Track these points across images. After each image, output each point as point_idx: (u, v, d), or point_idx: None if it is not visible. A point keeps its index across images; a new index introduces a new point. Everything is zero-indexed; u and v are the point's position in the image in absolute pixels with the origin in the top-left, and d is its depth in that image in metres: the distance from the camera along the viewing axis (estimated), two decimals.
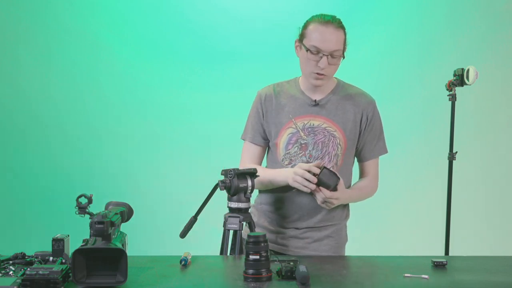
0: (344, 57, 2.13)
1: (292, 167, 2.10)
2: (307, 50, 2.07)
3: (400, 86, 4.10)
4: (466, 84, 3.35)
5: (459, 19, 4.10)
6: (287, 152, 2.15)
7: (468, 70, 3.33)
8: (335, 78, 2.23)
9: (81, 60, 4.05)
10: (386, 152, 2.25)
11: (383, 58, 4.09)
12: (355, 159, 2.25)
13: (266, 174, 2.14)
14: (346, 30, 2.13)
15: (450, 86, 3.40)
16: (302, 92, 2.18)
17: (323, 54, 2.05)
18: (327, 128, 2.13)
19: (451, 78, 3.40)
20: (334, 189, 2.00)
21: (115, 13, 4.06)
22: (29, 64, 4.05)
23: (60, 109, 4.06)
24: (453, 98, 3.40)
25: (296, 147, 2.14)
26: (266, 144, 2.24)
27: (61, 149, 4.06)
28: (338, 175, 2.00)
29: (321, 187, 1.99)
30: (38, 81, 4.05)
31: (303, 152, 2.13)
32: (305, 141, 2.13)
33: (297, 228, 2.15)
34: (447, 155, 3.44)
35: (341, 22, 2.14)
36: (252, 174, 2.02)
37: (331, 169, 2.02)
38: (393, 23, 4.11)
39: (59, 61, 4.05)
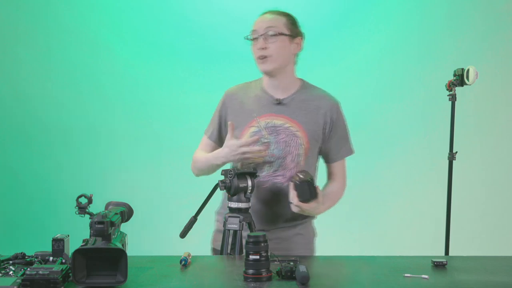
0: (293, 37, 2.13)
1: (253, 166, 2.09)
2: (251, 39, 2.13)
3: (400, 86, 4.10)
4: (466, 84, 3.35)
5: (459, 19, 4.10)
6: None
7: (468, 70, 3.33)
8: (300, 79, 2.23)
9: (81, 60, 4.05)
10: (353, 153, 2.25)
11: (383, 58, 4.09)
12: (319, 158, 2.24)
13: (206, 158, 2.17)
14: (294, 19, 2.17)
15: (450, 86, 3.40)
16: (265, 91, 2.18)
17: (259, 35, 2.10)
18: (289, 127, 2.13)
19: (451, 78, 3.40)
20: (304, 201, 1.98)
21: (115, 13, 4.07)
22: (29, 64, 4.05)
23: (60, 109, 4.06)
24: (453, 98, 3.40)
25: (258, 146, 2.13)
26: (222, 142, 2.22)
27: (61, 149, 4.06)
28: (317, 194, 1.98)
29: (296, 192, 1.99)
30: (38, 81, 4.05)
31: (265, 151, 2.12)
32: (267, 140, 2.13)
33: (264, 230, 2.15)
34: (447, 155, 3.44)
35: (287, 13, 2.18)
36: (252, 174, 2.02)
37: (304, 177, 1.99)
38: (393, 23, 4.11)
39: (59, 61, 4.05)
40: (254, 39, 2.13)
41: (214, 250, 2.24)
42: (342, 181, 2.26)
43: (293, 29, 2.14)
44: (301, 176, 1.98)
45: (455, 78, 3.38)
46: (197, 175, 2.28)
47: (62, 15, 4.04)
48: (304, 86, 2.21)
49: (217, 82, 4.13)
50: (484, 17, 4.11)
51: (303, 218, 2.19)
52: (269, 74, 2.15)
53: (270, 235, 2.12)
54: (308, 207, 1.99)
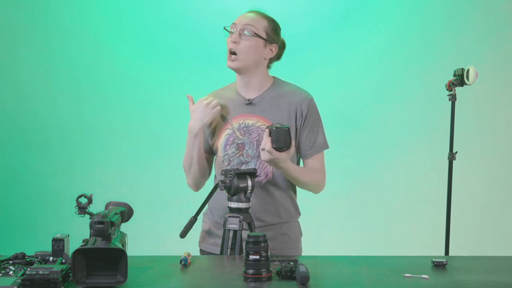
0: (268, 42, 2.13)
1: (231, 167, 2.10)
2: (229, 30, 2.15)
3: (400, 86, 4.10)
4: (466, 84, 3.35)
5: (459, 19, 4.10)
6: (225, 153, 2.16)
7: (468, 70, 3.33)
8: (272, 76, 2.23)
9: (81, 60, 4.05)
10: (327, 147, 2.22)
11: (383, 58, 4.09)
12: (297, 157, 2.23)
13: (186, 149, 2.18)
14: (276, 26, 2.17)
15: (450, 86, 3.40)
16: (238, 93, 2.20)
17: (236, 30, 2.12)
18: (261, 126, 2.13)
19: (451, 78, 3.40)
20: (277, 148, 1.97)
21: (115, 13, 4.06)
22: (29, 64, 4.05)
23: (60, 109, 4.06)
24: (453, 98, 3.40)
25: (234, 148, 2.15)
26: (209, 149, 2.24)
27: (61, 149, 4.06)
28: (292, 142, 1.99)
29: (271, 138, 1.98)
30: (38, 81, 4.05)
31: (240, 152, 2.13)
32: (242, 141, 2.14)
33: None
34: (447, 155, 3.44)
35: (271, 18, 2.18)
36: (252, 174, 2.02)
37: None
38: (393, 23, 4.11)
39: (59, 61, 4.05)
40: (231, 32, 2.14)
41: (202, 252, 2.24)
42: (318, 171, 2.20)
43: (271, 35, 2.15)
44: (278, 125, 1.99)
45: (455, 78, 3.38)
46: (194, 183, 2.24)
47: (62, 15, 4.04)
48: (276, 83, 2.21)
49: (217, 82, 4.14)
50: (484, 17, 4.10)
51: (285, 218, 2.18)
52: (237, 71, 2.17)
53: None
54: (279, 155, 1.98)
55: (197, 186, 2.27)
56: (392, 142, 4.10)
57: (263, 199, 2.14)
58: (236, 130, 2.13)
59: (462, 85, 3.37)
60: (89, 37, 4.05)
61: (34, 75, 4.04)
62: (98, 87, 4.07)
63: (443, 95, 3.45)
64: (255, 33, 2.11)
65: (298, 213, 2.26)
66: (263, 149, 1.99)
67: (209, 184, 2.16)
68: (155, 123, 4.08)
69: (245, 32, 2.11)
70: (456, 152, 3.42)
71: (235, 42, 2.11)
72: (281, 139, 1.97)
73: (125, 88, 4.08)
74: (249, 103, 2.16)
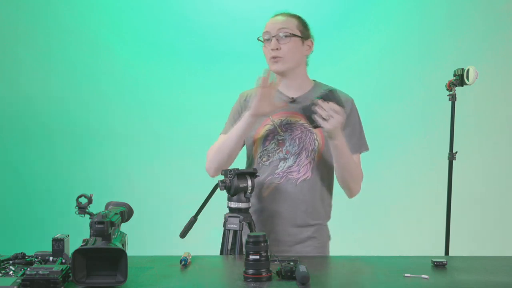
0: (304, 39, 2.16)
1: (269, 163, 2.12)
2: (262, 40, 2.15)
3: (400, 86, 4.10)
4: (466, 84, 3.36)
5: (459, 19, 4.10)
6: (264, 148, 2.16)
7: (468, 70, 3.33)
8: (313, 80, 2.25)
9: (81, 60, 4.05)
10: (367, 149, 2.25)
11: (383, 58, 4.09)
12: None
13: (232, 133, 2.13)
14: (305, 22, 2.21)
15: (450, 86, 3.40)
16: (279, 90, 2.19)
17: (272, 36, 2.12)
18: (304, 124, 2.14)
19: (451, 78, 3.40)
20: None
21: (115, 13, 4.07)
22: (29, 64, 4.05)
23: (60, 109, 4.06)
24: (453, 98, 3.41)
25: (274, 143, 2.15)
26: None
27: (61, 149, 4.06)
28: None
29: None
30: (38, 81, 4.05)
31: (280, 148, 2.13)
32: (282, 137, 2.14)
33: (277, 231, 2.14)
34: (447, 155, 3.44)
35: (298, 15, 2.20)
36: (252, 174, 2.02)
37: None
38: (393, 23, 4.11)
39: (59, 61, 4.05)
40: (266, 40, 2.14)
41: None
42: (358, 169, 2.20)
43: (304, 31, 2.18)
44: (314, 100, 1.96)
45: (455, 78, 3.38)
46: (218, 167, 2.16)
47: (62, 15, 4.04)
48: (317, 85, 2.24)
49: (217, 82, 4.15)
50: (484, 17, 4.10)
51: (316, 220, 2.17)
52: (281, 74, 2.16)
53: (284, 238, 2.12)
54: (331, 105, 1.95)
55: (218, 170, 2.18)
56: (392, 142, 4.10)
57: (295, 198, 2.12)
58: (277, 126, 2.13)
59: (462, 85, 3.38)
60: (89, 37, 4.05)
61: (34, 75, 4.04)
62: (98, 87, 4.07)
63: (443, 95, 3.46)
64: (292, 34, 2.12)
65: (328, 217, 2.24)
66: (330, 117, 1.93)
67: (209, 184, 2.15)
68: (155, 123, 4.08)
69: (282, 35, 2.11)
70: (456, 152, 3.42)
71: (277, 49, 2.11)
72: (309, 109, 1.96)
73: (125, 88, 4.08)
74: (293, 101, 2.17)
